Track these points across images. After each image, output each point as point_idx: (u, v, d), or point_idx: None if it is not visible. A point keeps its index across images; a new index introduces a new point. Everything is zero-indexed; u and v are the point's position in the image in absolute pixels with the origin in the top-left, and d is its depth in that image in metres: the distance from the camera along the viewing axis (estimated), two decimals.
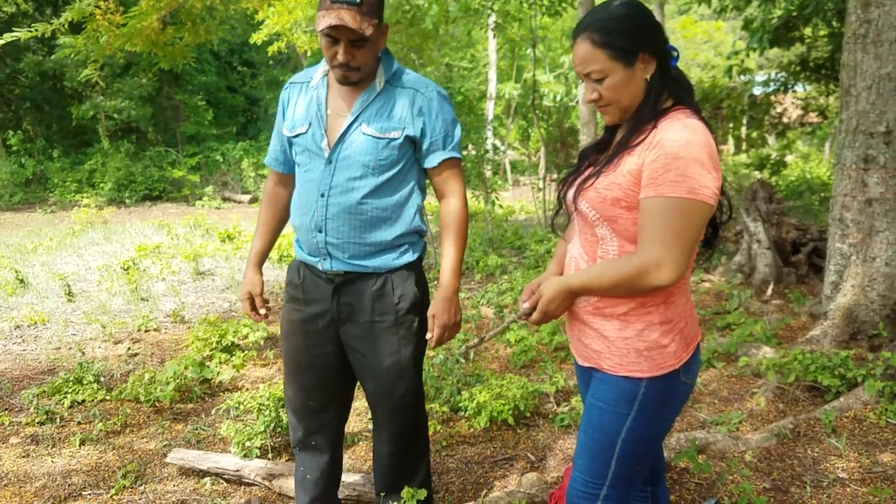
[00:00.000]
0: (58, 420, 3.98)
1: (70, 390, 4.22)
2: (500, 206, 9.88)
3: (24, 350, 5.37)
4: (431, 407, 3.84)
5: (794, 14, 9.14)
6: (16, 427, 3.93)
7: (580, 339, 1.89)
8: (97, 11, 5.85)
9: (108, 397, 4.25)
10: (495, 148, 11.49)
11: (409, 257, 2.36)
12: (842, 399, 3.79)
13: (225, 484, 3.27)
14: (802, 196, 12.42)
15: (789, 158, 18.11)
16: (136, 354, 5.19)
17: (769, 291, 6.32)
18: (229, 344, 4.90)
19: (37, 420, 3.94)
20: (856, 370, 3.86)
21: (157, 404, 4.15)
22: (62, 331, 5.79)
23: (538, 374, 4.47)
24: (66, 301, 6.75)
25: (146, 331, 5.80)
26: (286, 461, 3.39)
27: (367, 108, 2.24)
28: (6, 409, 4.17)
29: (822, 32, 10.09)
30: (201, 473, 3.33)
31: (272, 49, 12.96)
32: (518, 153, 22.60)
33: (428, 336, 2.33)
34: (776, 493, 3.01)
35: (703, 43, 27.75)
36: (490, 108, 19.11)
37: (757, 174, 13.81)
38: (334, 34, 2.09)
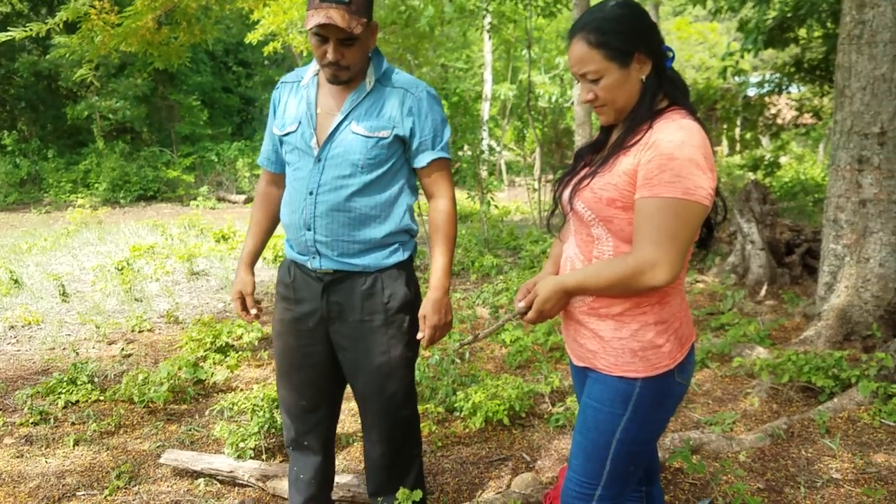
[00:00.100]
0: (52, 420, 3.97)
1: (64, 391, 4.20)
2: (496, 206, 9.89)
3: (18, 350, 5.35)
4: (427, 407, 3.84)
5: (789, 15, 9.17)
6: (10, 427, 3.91)
7: (575, 339, 1.89)
8: (92, 11, 5.84)
9: (101, 398, 4.24)
10: (491, 149, 11.50)
11: (400, 257, 2.36)
12: (836, 400, 3.80)
13: (219, 485, 3.27)
14: (796, 197, 12.46)
15: (783, 160, 18.15)
16: (129, 355, 5.18)
17: (763, 292, 6.33)
18: (223, 344, 4.89)
19: (31, 420, 3.93)
20: (850, 371, 3.87)
21: (150, 405, 4.14)
22: (56, 331, 5.78)
23: (533, 374, 4.47)
24: (60, 301, 6.73)
25: (140, 331, 5.79)
26: (280, 462, 3.38)
27: (357, 107, 2.25)
28: (0, 410, 4.16)
29: (816, 33, 10.12)
30: (195, 474, 3.32)
31: (268, 49, 12.96)
32: (513, 154, 22.61)
33: (419, 336, 2.33)
34: (770, 494, 3.01)
35: (697, 44, 27.82)
36: (485, 109, 19.11)
37: (751, 175, 13.85)
38: (323, 33, 2.10)
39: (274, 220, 2.57)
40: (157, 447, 3.65)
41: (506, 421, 3.66)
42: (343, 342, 2.39)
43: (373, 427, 2.49)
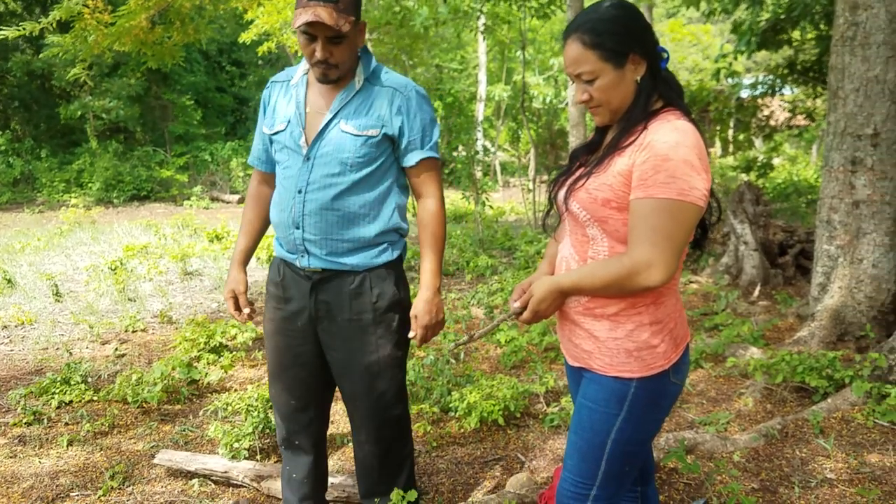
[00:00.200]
0: (45, 421, 3.95)
1: (57, 391, 4.19)
2: (491, 207, 9.90)
3: (11, 350, 5.33)
4: (422, 407, 3.84)
5: (782, 17, 9.20)
6: (3, 428, 3.90)
7: (570, 339, 1.90)
8: (85, 10, 5.83)
9: (95, 398, 4.23)
10: (485, 149, 11.50)
11: (389, 256, 2.36)
12: (829, 400, 3.81)
13: (213, 485, 3.26)
14: (789, 198, 12.50)
15: (776, 161, 18.22)
16: (123, 355, 5.16)
17: (756, 293, 6.35)
18: (217, 344, 4.88)
19: (24, 421, 3.92)
20: (843, 371, 3.88)
21: (144, 405, 4.13)
22: (49, 331, 5.76)
23: (528, 374, 4.47)
24: (53, 301, 6.71)
25: (134, 331, 5.77)
26: (274, 462, 3.38)
27: (346, 105, 2.25)
28: None
29: (809, 35, 10.16)
30: (189, 475, 3.31)
31: (262, 49, 12.95)
32: (508, 155, 22.65)
33: (410, 335, 2.34)
34: (764, 494, 3.02)
35: (691, 46, 27.89)
36: (480, 110, 19.13)
37: (744, 176, 13.89)
38: (311, 31, 2.11)
39: (266, 220, 2.57)
40: (151, 447, 3.65)
41: (501, 421, 3.66)
42: (331, 341, 2.39)
43: (361, 427, 2.49)
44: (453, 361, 4.67)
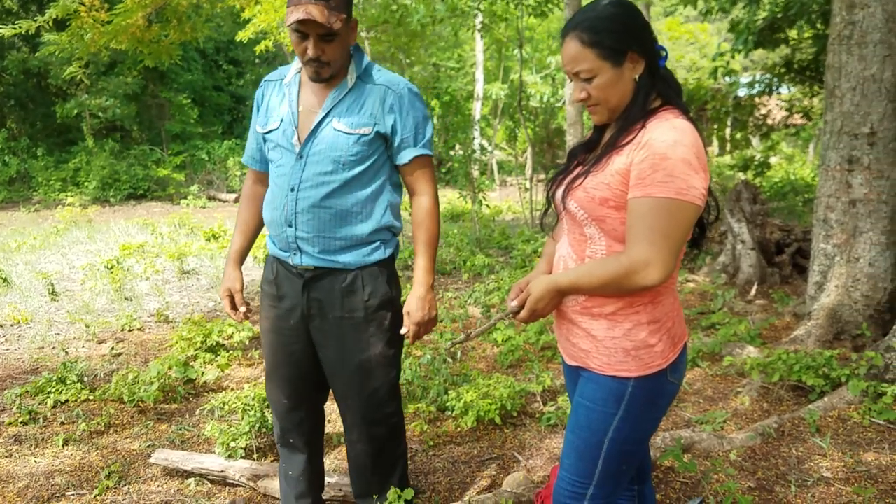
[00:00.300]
0: (41, 420, 3.94)
1: (53, 390, 4.18)
2: (488, 205, 9.91)
3: (6, 350, 5.32)
4: (418, 406, 3.83)
5: (779, 16, 9.21)
6: None
7: (568, 338, 1.89)
8: (82, 9, 5.81)
9: (91, 397, 4.22)
10: (482, 148, 11.51)
11: (381, 255, 2.36)
12: (826, 399, 3.81)
13: (209, 485, 3.25)
14: (786, 197, 12.51)
15: (773, 160, 18.24)
16: (119, 354, 5.15)
17: (753, 291, 6.36)
18: (214, 344, 4.87)
19: (20, 420, 3.91)
20: (840, 370, 3.89)
21: (140, 404, 4.12)
22: (45, 330, 5.74)
23: (525, 373, 4.47)
24: (49, 300, 6.69)
25: (130, 330, 5.76)
26: (271, 462, 3.37)
27: (339, 104, 2.26)
28: None
29: (806, 34, 10.17)
30: (185, 474, 3.31)
31: (259, 48, 12.92)
32: (505, 153, 22.65)
33: (402, 331, 2.35)
34: (761, 493, 3.02)
35: (688, 44, 27.92)
36: (477, 109, 19.12)
37: (741, 175, 13.90)
38: (303, 29, 2.11)
39: (260, 219, 2.57)
40: (147, 447, 3.64)
41: (497, 420, 3.66)
42: (323, 340, 2.40)
43: (353, 426, 2.50)
44: (450, 360, 4.66)
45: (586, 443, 1.84)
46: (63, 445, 3.65)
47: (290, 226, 2.28)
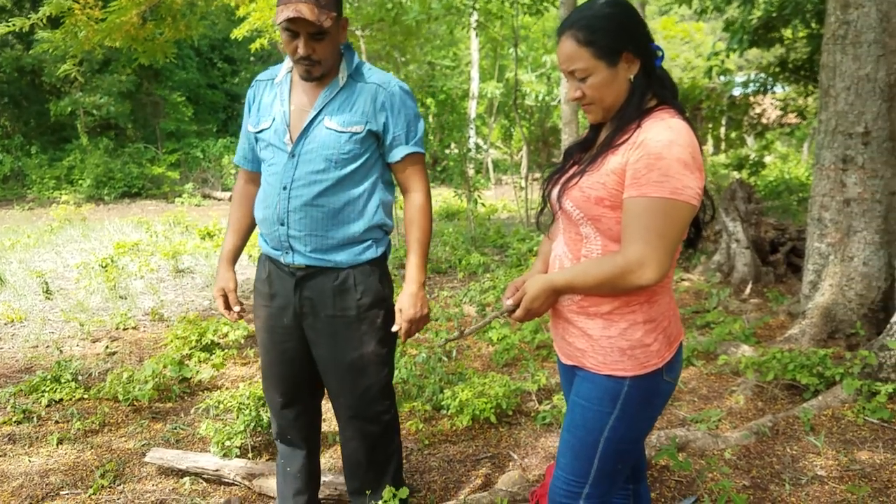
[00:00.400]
0: (35, 419, 3.93)
1: (47, 389, 4.17)
2: (483, 204, 9.91)
3: (0, 348, 5.30)
4: (414, 405, 3.84)
5: (774, 15, 9.23)
6: None
7: (564, 337, 1.89)
8: (76, 6, 5.79)
9: (86, 396, 4.21)
10: (478, 147, 11.49)
11: (373, 253, 2.37)
12: (820, 397, 3.82)
13: (204, 483, 3.25)
14: (781, 196, 12.54)
15: (768, 159, 18.29)
16: (114, 353, 5.14)
17: (748, 290, 6.37)
18: (209, 342, 4.86)
19: (14, 419, 3.90)
20: (834, 369, 3.90)
21: (135, 403, 4.11)
22: (40, 329, 5.73)
23: (520, 372, 4.47)
24: (43, 299, 6.67)
25: (125, 329, 5.75)
26: (266, 461, 3.37)
27: (330, 102, 2.26)
28: None
29: (801, 34, 10.18)
30: (180, 473, 3.30)
31: (254, 46, 12.90)
32: (500, 152, 22.65)
33: (394, 328, 2.35)
34: (755, 491, 3.03)
35: (683, 43, 27.94)
36: (472, 107, 19.12)
37: (736, 174, 13.92)
38: (293, 27, 2.12)
39: (253, 218, 2.58)
40: (142, 446, 3.63)
41: (493, 419, 3.66)
42: (316, 338, 2.40)
43: (347, 424, 2.51)
44: (445, 359, 4.67)
45: (582, 442, 1.84)
46: (57, 444, 3.64)
47: (283, 224, 2.29)
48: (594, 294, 1.76)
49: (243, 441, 3.38)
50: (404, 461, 3.27)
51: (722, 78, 13.04)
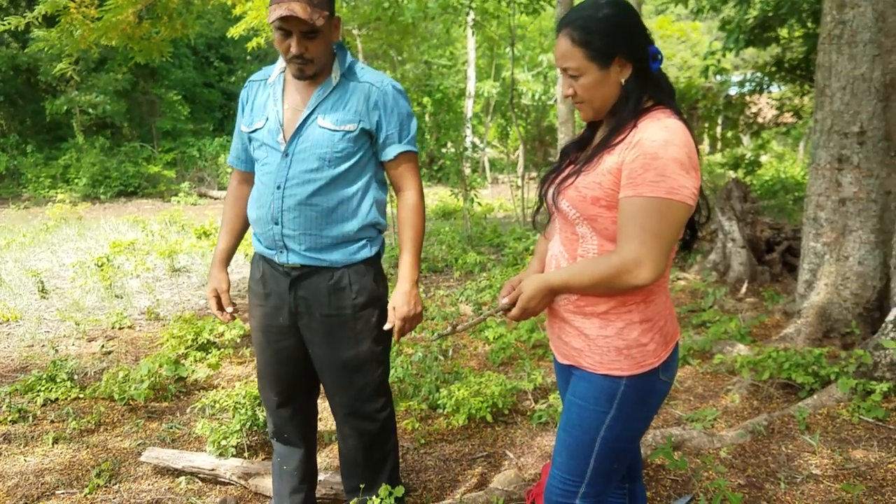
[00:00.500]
0: (30, 418, 3.93)
1: (43, 388, 4.16)
2: (479, 203, 9.91)
3: None
4: (410, 404, 3.84)
5: (770, 15, 9.23)
6: None
7: (560, 336, 1.90)
8: (71, 5, 5.78)
9: (81, 395, 4.20)
10: (474, 146, 11.50)
11: (367, 252, 2.38)
12: (815, 396, 3.83)
13: (200, 483, 3.25)
14: (777, 195, 12.56)
15: (764, 158, 18.30)
16: (110, 352, 5.13)
17: (743, 289, 6.38)
18: (205, 342, 4.86)
19: (9, 418, 3.89)
20: (829, 368, 3.91)
21: (131, 402, 4.11)
22: (35, 328, 5.72)
23: (516, 371, 4.47)
24: (39, 298, 6.66)
25: (120, 328, 5.74)
26: (262, 460, 3.37)
27: (324, 101, 2.27)
28: None
29: (797, 33, 10.20)
30: (176, 472, 3.30)
31: (251, 45, 12.88)
32: (497, 151, 22.66)
33: (387, 327, 2.36)
34: (751, 490, 3.04)
35: (679, 43, 27.95)
36: (469, 107, 19.12)
37: (732, 174, 13.94)
38: (286, 26, 2.13)
39: (246, 219, 2.58)
40: (138, 445, 3.63)
41: (489, 418, 3.66)
42: (312, 337, 2.41)
43: (344, 423, 2.52)
44: (441, 358, 4.67)
45: (578, 441, 1.84)
46: (53, 444, 3.63)
47: (277, 224, 2.29)
48: (590, 294, 1.76)
49: (239, 440, 3.37)
50: (400, 460, 3.27)
51: (718, 77, 13.05)
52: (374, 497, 2.46)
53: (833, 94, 4.68)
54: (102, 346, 5.19)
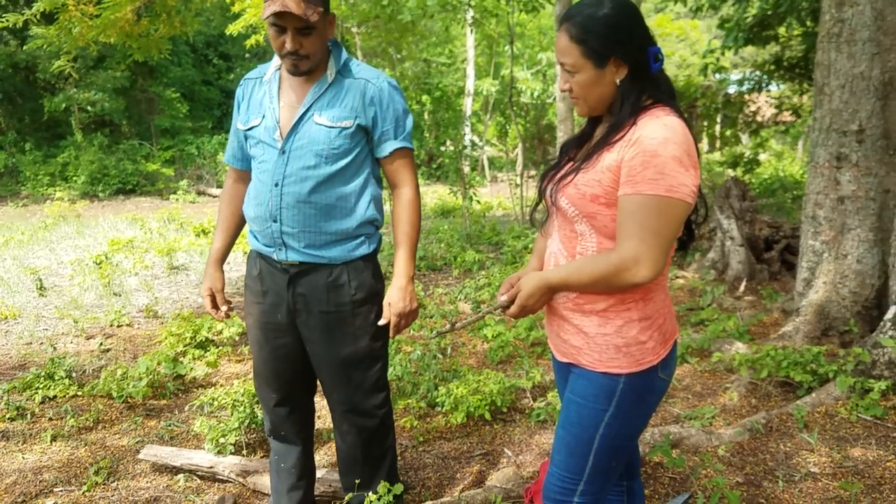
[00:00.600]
0: (29, 416, 3.92)
1: (41, 386, 4.16)
2: (478, 201, 9.90)
3: None
4: (408, 402, 3.84)
5: (769, 13, 9.23)
6: None
7: (559, 334, 1.90)
8: (70, 2, 5.77)
9: (79, 393, 4.20)
10: (473, 144, 11.49)
11: (365, 249, 2.38)
12: (813, 394, 3.84)
13: (199, 481, 3.25)
14: (775, 194, 12.56)
15: (763, 157, 18.30)
16: (108, 350, 5.13)
17: (742, 288, 6.38)
18: (203, 339, 4.86)
19: (7, 416, 3.89)
20: (827, 366, 3.91)
21: (129, 400, 4.10)
22: (33, 326, 5.71)
23: (515, 369, 4.48)
24: (37, 296, 6.65)
25: (119, 326, 5.73)
26: (261, 457, 3.36)
27: (320, 98, 2.27)
28: None
29: (796, 31, 10.20)
30: (175, 470, 3.30)
31: (250, 42, 12.87)
32: (496, 149, 22.65)
33: (382, 322, 2.36)
34: (749, 488, 3.04)
35: (678, 41, 27.95)
36: (468, 105, 19.10)
37: (730, 172, 13.94)
38: (280, 22, 2.13)
39: (242, 217, 2.58)
40: (136, 443, 3.63)
41: (487, 416, 3.66)
42: (310, 334, 2.41)
43: (342, 420, 2.52)
44: (440, 356, 4.67)
45: (577, 439, 1.84)
46: (51, 441, 3.63)
47: (276, 221, 2.29)
48: (589, 291, 1.76)
49: (238, 438, 3.37)
50: (399, 458, 3.27)
51: (717, 76, 13.05)
52: (372, 494, 2.46)
53: (832, 92, 4.68)
54: (101, 344, 5.19)
